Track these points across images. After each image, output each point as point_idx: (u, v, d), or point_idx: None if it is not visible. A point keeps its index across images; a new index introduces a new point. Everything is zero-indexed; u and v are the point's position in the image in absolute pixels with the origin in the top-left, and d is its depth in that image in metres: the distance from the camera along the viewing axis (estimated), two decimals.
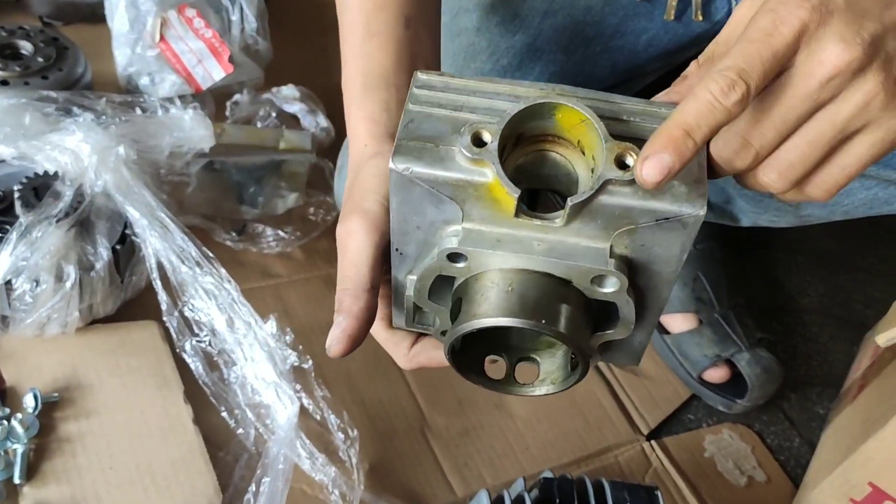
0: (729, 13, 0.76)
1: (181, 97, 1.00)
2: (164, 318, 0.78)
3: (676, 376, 0.96)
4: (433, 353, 0.50)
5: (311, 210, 0.99)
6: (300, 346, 0.82)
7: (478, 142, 0.38)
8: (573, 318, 0.40)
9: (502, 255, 0.40)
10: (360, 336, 0.44)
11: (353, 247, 0.45)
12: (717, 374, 0.94)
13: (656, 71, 0.85)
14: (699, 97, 0.36)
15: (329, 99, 1.09)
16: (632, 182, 0.38)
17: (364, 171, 0.48)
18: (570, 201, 0.38)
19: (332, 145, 1.06)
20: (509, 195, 0.38)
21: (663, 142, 0.36)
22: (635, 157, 0.37)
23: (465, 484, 0.81)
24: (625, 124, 0.40)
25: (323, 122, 1.06)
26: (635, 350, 0.47)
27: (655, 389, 0.94)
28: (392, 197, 0.41)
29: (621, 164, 0.38)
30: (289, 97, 1.07)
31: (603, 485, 0.74)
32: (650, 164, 0.36)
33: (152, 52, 0.99)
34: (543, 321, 0.39)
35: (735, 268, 1.09)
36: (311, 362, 0.81)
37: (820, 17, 0.36)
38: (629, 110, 0.41)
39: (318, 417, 0.80)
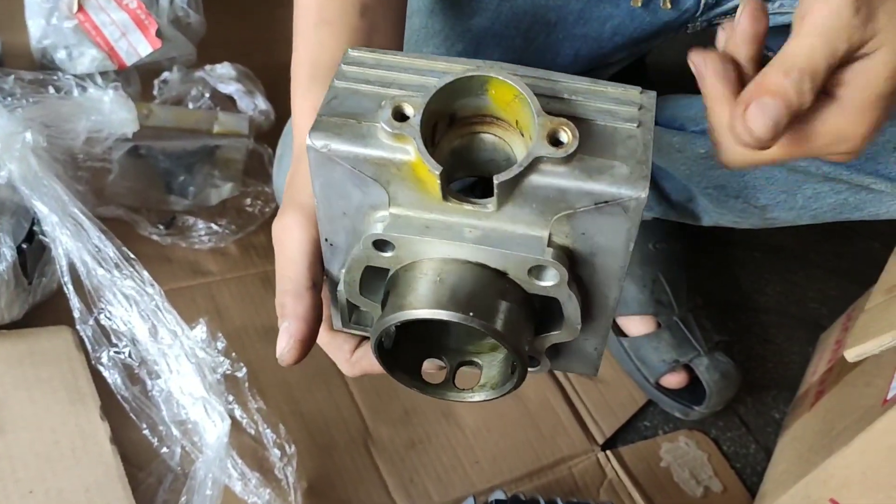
0: (697, 2, 0.72)
1: (103, 74, 0.91)
2: (78, 327, 0.70)
3: (633, 381, 0.92)
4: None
5: (248, 201, 0.92)
6: (233, 353, 0.75)
7: (399, 116, 0.35)
8: (508, 313, 0.37)
9: (432, 242, 0.36)
10: (311, 339, 0.42)
11: (290, 243, 0.42)
12: (674, 380, 0.90)
13: (621, 61, 0.80)
14: (813, 34, 0.36)
15: (269, 79, 1.01)
16: (566, 160, 0.34)
17: (303, 163, 0.43)
18: (496, 179, 0.34)
19: (271, 130, 0.98)
20: (431, 173, 0.34)
21: (769, 85, 0.36)
22: (569, 132, 0.34)
23: (411, 501, 0.76)
24: (564, 102, 0.37)
25: (262, 104, 0.98)
26: (590, 357, 0.44)
27: (611, 395, 0.90)
28: (314, 179, 0.37)
29: (554, 141, 0.34)
30: (224, 76, 0.98)
31: None
32: (756, 112, 0.36)
33: (70, 23, 0.89)
34: (472, 314, 0.35)
35: (692, 264, 1.05)
36: (244, 370, 0.75)
37: None
38: (572, 88, 0.38)
39: (253, 432, 0.73)
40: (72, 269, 0.70)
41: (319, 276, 0.42)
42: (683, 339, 0.90)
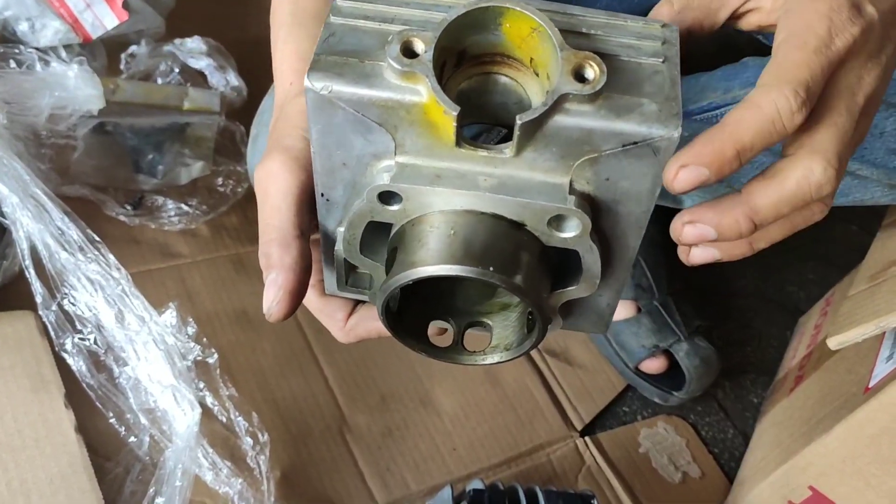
0: None
1: (67, 47, 0.87)
2: (41, 312, 0.67)
3: (612, 366, 0.91)
4: (373, 325, 0.44)
5: (220, 181, 0.89)
6: (204, 339, 0.72)
7: (408, 52, 0.32)
8: (528, 267, 0.34)
9: (443, 193, 0.33)
10: (301, 291, 0.39)
11: (275, 189, 0.39)
12: (654, 365, 0.89)
13: None
14: (764, 111, 0.32)
15: (242, 54, 0.97)
16: (592, 98, 0.32)
17: (287, 108, 0.42)
18: (519, 119, 0.32)
19: (244, 107, 0.95)
20: (447, 115, 0.32)
21: (708, 155, 0.32)
22: (596, 67, 0.32)
23: (388, 491, 0.74)
24: (585, 37, 0.35)
25: (234, 80, 0.95)
26: (602, 314, 0.41)
27: (590, 380, 0.89)
28: (311, 126, 0.34)
29: (580, 77, 0.32)
30: (194, 50, 0.95)
31: (536, 494, 0.69)
32: (686, 175, 0.32)
33: None
34: (492, 269, 0.33)
35: (672, 248, 1.04)
36: (216, 356, 0.72)
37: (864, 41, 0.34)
38: (590, 23, 0.35)
39: (224, 420, 0.71)
40: (33, 252, 0.67)
41: (307, 224, 0.39)
42: (663, 325, 0.89)
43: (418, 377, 0.83)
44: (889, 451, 0.66)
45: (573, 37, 0.34)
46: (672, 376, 0.90)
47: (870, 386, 0.68)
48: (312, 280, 0.42)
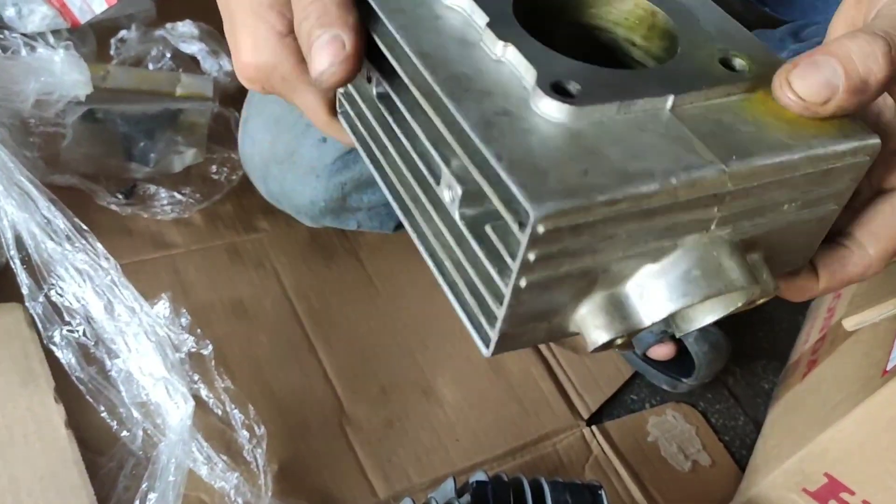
0: None
1: (55, 33, 0.85)
2: (28, 304, 0.65)
3: (619, 353, 0.89)
4: None
5: (214, 168, 0.86)
6: (198, 330, 0.70)
7: None
8: None
9: None
10: (361, 55, 0.35)
11: None
12: (662, 351, 0.87)
13: None
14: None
15: None
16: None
17: None
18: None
19: (237, 92, 0.93)
20: None
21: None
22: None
23: (389, 484, 0.72)
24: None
25: (227, 64, 0.93)
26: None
27: (596, 368, 0.87)
28: None
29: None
30: (186, 35, 0.92)
31: (542, 485, 0.67)
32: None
33: None
34: None
35: None
36: (210, 348, 0.70)
37: None
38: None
39: (220, 412, 0.69)
40: (19, 242, 0.65)
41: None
42: None
43: (419, 367, 0.81)
44: None
45: (771, 213, 0.34)
46: (681, 362, 0.87)
47: (888, 369, 0.66)
48: (323, 102, 0.40)
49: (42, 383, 0.66)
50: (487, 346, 0.32)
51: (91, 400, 0.66)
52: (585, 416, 0.83)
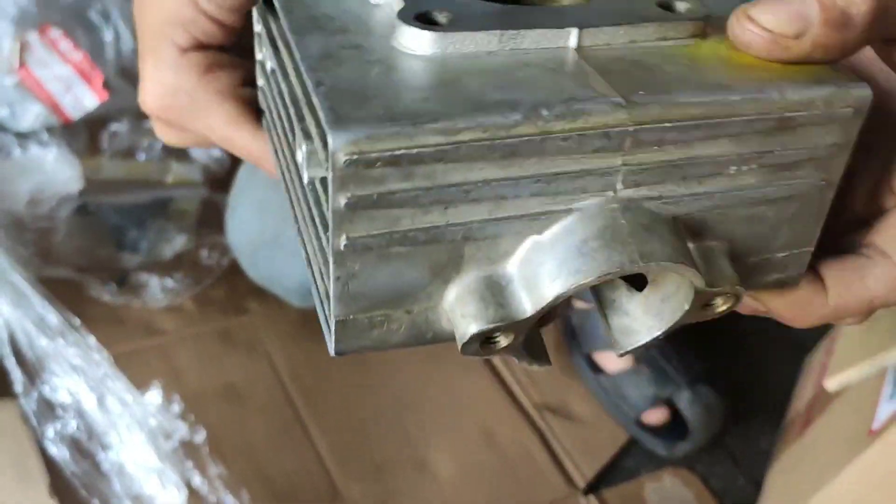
0: None
1: (49, 129, 0.88)
2: (22, 401, 0.66)
3: (612, 419, 0.89)
4: None
5: (204, 253, 0.88)
6: (191, 416, 0.72)
7: None
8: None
9: None
10: None
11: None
12: (656, 416, 0.87)
13: None
14: None
15: None
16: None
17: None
18: None
19: (227, 176, 0.95)
20: None
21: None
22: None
23: None
24: None
25: (215, 150, 0.95)
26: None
27: (591, 435, 0.87)
28: None
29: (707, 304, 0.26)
30: None
31: None
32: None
33: (11, 80, 0.86)
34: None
35: None
36: (203, 434, 0.71)
37: None
38: None
39: (214, 500, 0.70)
40: (12, 339, 0.66)
41: None
42: (662, 373, 0.87)
43: (413, 442, 0.81)
44: None
45: (715, 178, 0.26)
46: (676, 427, 0.87)
47: (874, 427, 0.66)
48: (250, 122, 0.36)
49: (37, 479, 0.66)
50: (330, 336, 0.26)
51: (85, 493, 0.66)
52: (582, 485, 0.82)
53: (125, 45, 0.92)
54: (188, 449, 0.70)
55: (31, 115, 0.87)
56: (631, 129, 0.23)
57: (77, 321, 0.67)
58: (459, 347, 0.25)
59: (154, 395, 0.70)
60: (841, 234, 0.31)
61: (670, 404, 0.88)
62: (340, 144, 0.21)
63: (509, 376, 0.89)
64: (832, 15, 0.25)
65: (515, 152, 0.23)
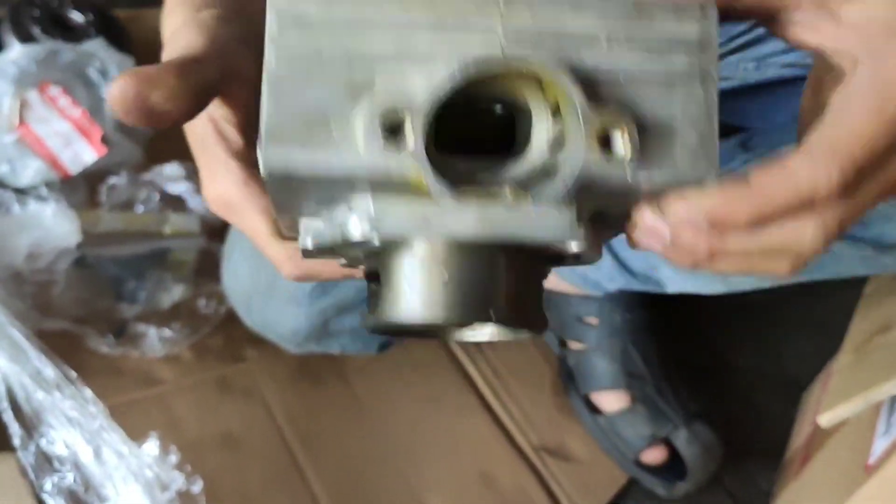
0: None
1: (48, 184, 0.89)
2: (20, 454, 0.66)
3: (611, 459, 0.89)
4: (327, 264, 0.39)
5: (203, 303, 0.89)
6: (188, 467, 0.71)
7: (391, 129, 0.27)
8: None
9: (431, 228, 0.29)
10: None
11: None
12: (654, 456, 0.87)
13: None
14: (798, 185, 0.27)
15: None
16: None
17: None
18: (509, 176, 0.29)
19: (224, 226, 0.96)
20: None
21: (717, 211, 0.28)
22: (626, 139, 0.28)
23: None
24: (603, 53, 0.29)
25: None
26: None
27: (589, 476, 0.87)
28: (270, 195, 0.31)
29: (604, 141, 0.28)
30: (173, 176, 0.97)
31: None
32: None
33: (11, 137, 0.88)
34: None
35: (662, 328, 1.03)
36: (201, 484, 0.71)
37: None
38: (611, 28, 0.29)
39: None
40: (10, 393, 0.67)
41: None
42: (659, 412, 0.87)
43: (411, 486, 0.81)
44: None
45: (591, 50, 0.28)
46: (674, 466, 0.87)
47: (870, 463, 0.66)
48: (268, 228, 0.39)
49: None
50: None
51: None
52: None
53: None
54: (185, 499, 0.70)
55: (31, 171, 0.89)
56: None
57: (73, 374, 0.68)
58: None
59: (151, 446, 0.70)
60: None
61: (668, 443, 0.88)
62: None
63: (507, 418, 0.89)
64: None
65: None
